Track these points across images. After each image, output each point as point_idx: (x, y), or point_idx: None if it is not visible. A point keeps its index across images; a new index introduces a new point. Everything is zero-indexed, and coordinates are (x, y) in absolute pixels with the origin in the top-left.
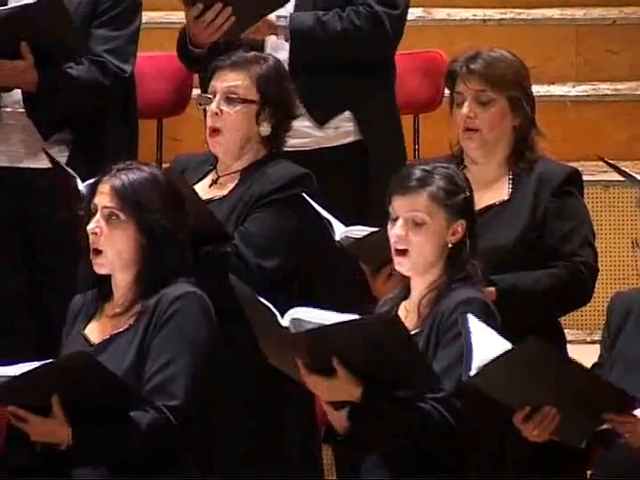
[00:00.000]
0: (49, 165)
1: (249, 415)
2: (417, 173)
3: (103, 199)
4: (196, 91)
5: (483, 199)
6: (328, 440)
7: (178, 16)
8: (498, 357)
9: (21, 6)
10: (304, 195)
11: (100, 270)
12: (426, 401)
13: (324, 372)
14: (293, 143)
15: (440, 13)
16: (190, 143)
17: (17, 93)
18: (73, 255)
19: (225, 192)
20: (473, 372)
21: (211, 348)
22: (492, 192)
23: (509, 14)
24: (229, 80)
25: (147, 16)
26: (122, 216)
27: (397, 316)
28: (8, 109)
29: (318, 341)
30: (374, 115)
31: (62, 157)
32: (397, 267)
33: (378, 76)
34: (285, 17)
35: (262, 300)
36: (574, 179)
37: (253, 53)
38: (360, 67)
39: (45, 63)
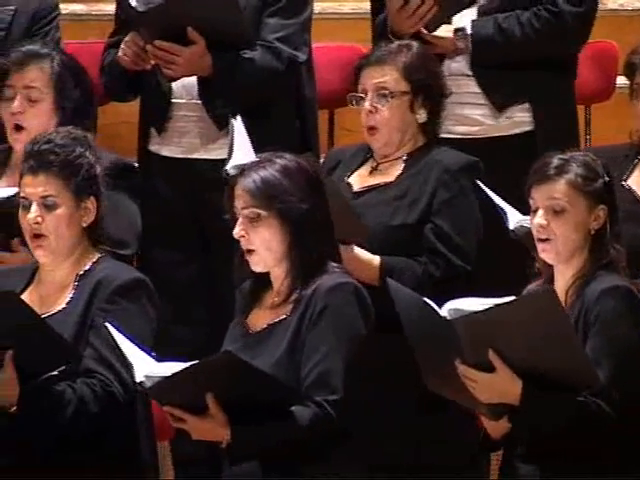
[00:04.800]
0: (221, 156)
1: (414, 415)
2: (554, 162)
3: (240, 202)
4: None
5: None
6: (485, 447)
7: (350, 6)
8: None
9: None
10: (479, 183)
11: (256, 268)
12: (584, 395)
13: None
14: (463, 130)
15: (612, 3)
16: (362, 134)
17: (190, 83)
18: None
19: (390, 178)
20: None
21: (367, 339)
22: None
23: None
24: (377, 77)
25: (319, 6)
26: (261, 212)
27: (553, 289)
28: (182, 100)
29: (477, 327)
30: (551, 107)
31: None
32: (542, 255)
33: (560, 68)
34: (463, 29)
35: (420, 296)
36: None
37: (396, 43)
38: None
39: (216, 49)
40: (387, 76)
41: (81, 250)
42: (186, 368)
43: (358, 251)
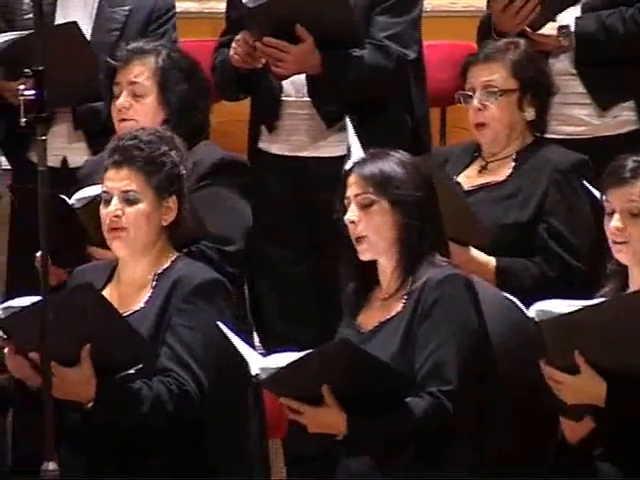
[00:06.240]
0: (330, 154)
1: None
2: (629, 164)
3: (354, 188)
4: None
5: None
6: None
7: (462, 4)
8: None
9: None
10: (584, 183)
11: (365, 256)
12: None
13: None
14: (570, 131)
15: None
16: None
17: (300, 81)
18: None
19: (501, 177)
20: None
21: (480, 331)
22: None
23: None
24: (486, 75)
25: (431, 4)
26: (375, 197)
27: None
28: (292, 98)
29: (564, 328)
30: None
31: (343, 144)
32: (617, 256)
33: None
34: (567, 27)
35: (507, 296)
36: None
37: (503, 41)
38: None
39: (326, 48)
40: (495, 74)
41: (159, 249)
42: (302, 357)
43: (474, 252)
